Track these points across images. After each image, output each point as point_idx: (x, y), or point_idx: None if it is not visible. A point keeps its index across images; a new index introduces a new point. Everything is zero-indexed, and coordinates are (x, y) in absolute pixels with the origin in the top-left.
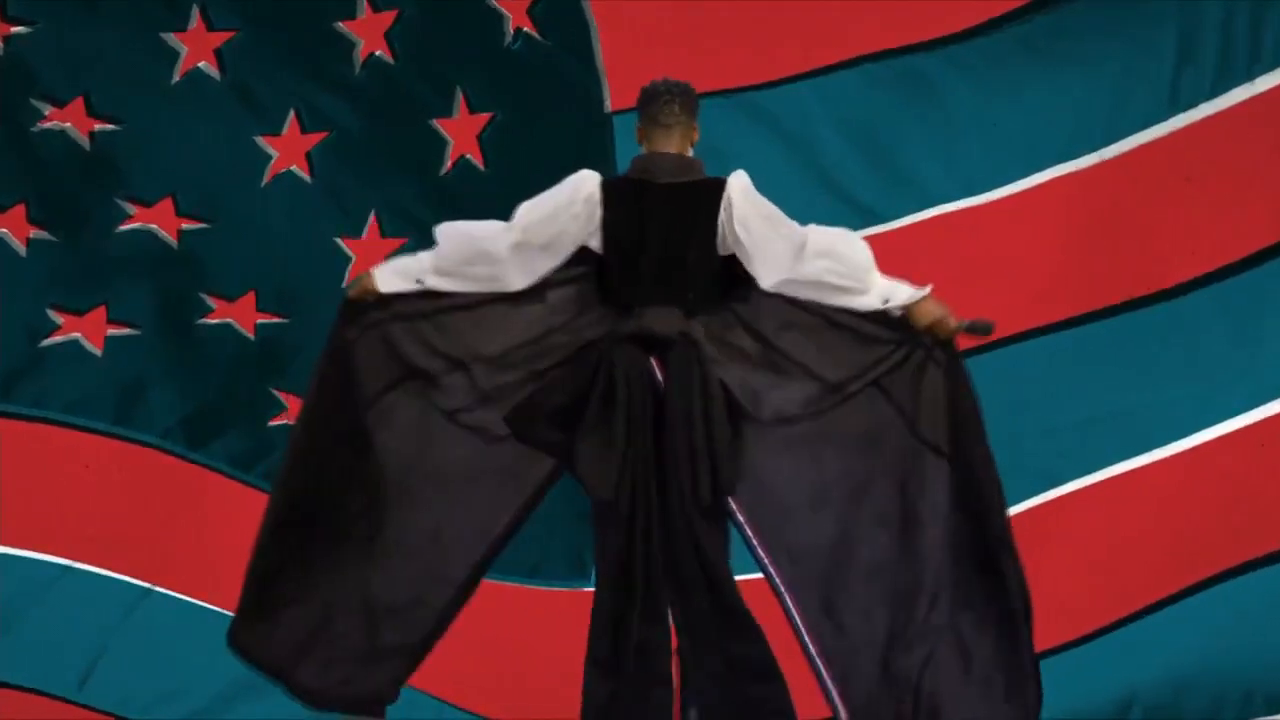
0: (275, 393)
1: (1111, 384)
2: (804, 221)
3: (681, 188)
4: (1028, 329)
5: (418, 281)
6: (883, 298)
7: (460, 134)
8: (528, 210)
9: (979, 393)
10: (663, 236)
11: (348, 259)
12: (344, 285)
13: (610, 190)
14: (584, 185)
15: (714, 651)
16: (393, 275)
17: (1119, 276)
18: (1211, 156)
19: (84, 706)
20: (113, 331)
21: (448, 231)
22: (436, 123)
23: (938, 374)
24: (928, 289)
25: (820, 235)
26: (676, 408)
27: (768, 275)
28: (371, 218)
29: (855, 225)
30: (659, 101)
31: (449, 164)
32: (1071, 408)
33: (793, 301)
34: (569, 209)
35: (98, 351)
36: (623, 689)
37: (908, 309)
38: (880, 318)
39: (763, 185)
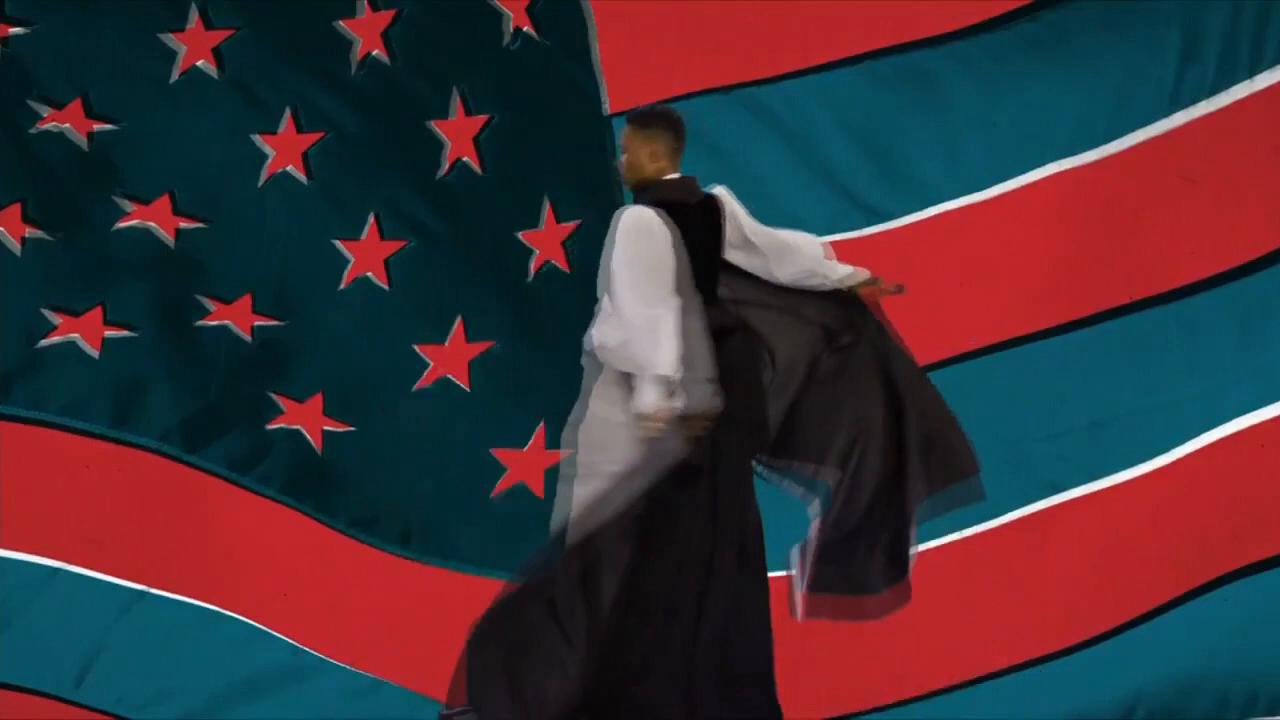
0: (273, 396)
1: (1117, 387)
2: (809, 215)
3: (701, 205)
4: (1032, 331)
5: (672, 393)
6: (835, 275)
7: (457, 136)
8: (647, 280)
9: (985, 395)
10: (702, 250)
11: (346, 261)
12: (340, 288)
13: (665, 217)
14: (654, 221)
15: (716, 642)
16: (661, 399)
17: (1123, 278)
18: (1213, 155)
19: (81, 706)
20: (110, 333)
21: (646, 349)
22: (433, 124)
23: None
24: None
25: (793, 236)
26: (755, 376)
27: (784, 272)
28: (371, 219)
29: (858, 223)
30: (680, 127)
31: (446, 166)
32: (1076, 410)
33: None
34: (668, 245)
35: (95, 353)
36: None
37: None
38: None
39: (765, 181)
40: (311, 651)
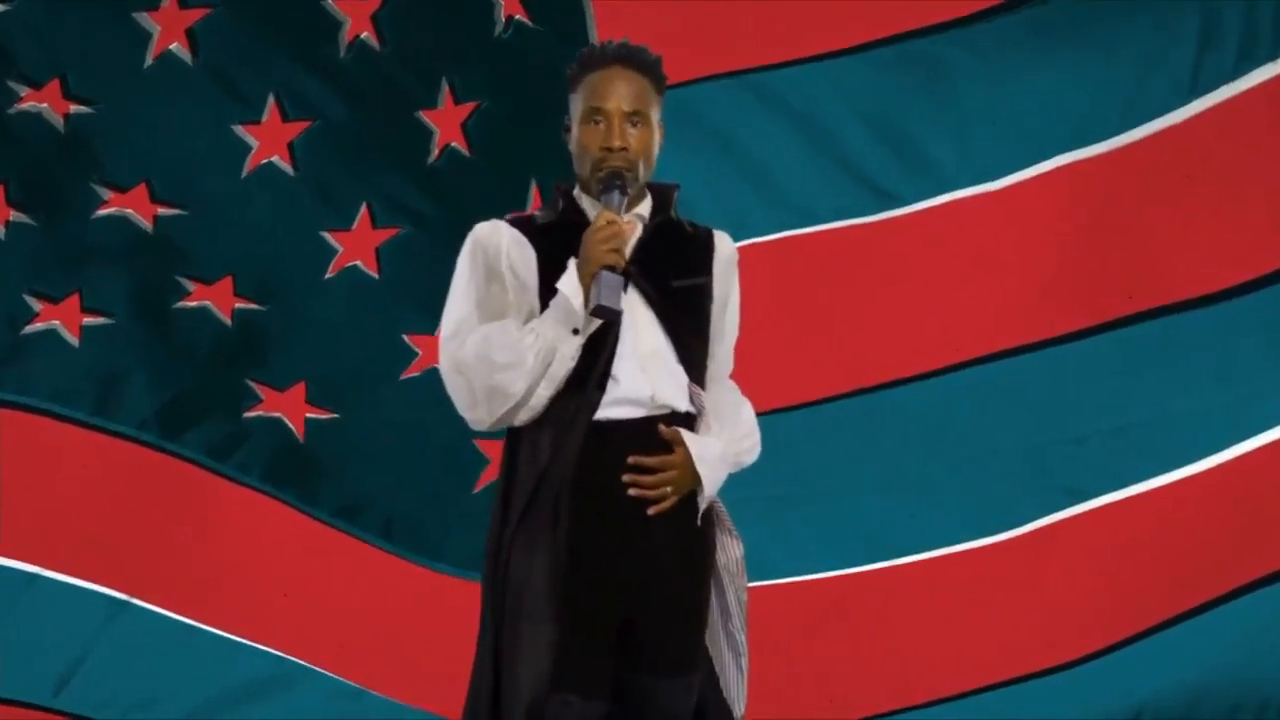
0: (251, 384)
1: (1143, 392)
2: (818, 201)
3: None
4: (1058, 334)
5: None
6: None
7: (445, 123)
8: None
9: (1006, 398)
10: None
11: (333, 251)
12: (327, 276)
13: None
14: None
15: None
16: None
17: (1148, 280)
18: (1235, 151)
19: (59, 712)
20: (88, 321)
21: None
22: (421, 114)
23: None
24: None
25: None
26: None
27: None
28: (364, 209)
29: (870, 208)
30: None
31: (436, 153)
32: (1100, 415)
33: None
34: None
35: (75, 342)
36: None
37: None
38: None
39: (772, 167)
40: (295, 660)
